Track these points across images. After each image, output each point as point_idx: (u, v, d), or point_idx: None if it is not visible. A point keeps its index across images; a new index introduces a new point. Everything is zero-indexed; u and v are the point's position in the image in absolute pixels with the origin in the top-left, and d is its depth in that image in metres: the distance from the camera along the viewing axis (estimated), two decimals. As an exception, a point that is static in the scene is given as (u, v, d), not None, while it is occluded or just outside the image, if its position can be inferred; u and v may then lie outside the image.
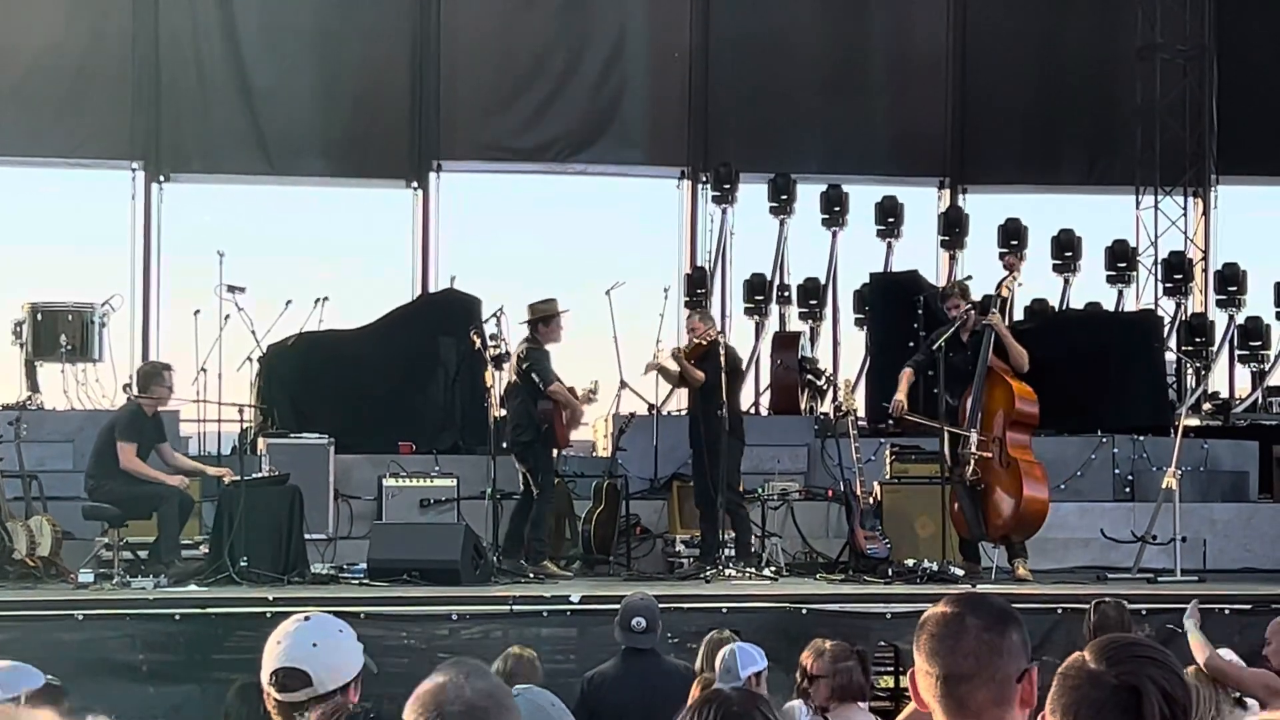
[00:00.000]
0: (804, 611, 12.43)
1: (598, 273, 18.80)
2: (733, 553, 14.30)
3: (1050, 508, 14.34)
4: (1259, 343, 20.02)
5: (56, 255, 20.92)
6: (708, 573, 13.89)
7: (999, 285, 14.58)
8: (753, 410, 18.67)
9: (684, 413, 18.49)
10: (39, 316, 16.82)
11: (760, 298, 20.18)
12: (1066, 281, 20.30)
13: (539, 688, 8.13)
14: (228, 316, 15.48)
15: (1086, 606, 9.66)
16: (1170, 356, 19.35)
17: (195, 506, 14.18)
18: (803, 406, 18.27)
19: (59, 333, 16.70)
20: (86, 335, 16.87)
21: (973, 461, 13.96)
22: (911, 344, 16.98)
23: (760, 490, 15.38)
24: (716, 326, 15.62)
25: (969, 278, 16.29)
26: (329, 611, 6.44)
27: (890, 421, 17.52)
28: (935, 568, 13.81)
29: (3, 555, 13.58)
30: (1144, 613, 12.21)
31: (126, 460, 13.72)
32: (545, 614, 12.25)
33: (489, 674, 3.67)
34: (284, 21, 20.84)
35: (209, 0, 20.74)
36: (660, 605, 9.85)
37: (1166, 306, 20.49)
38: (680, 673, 9.11)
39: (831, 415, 17.03)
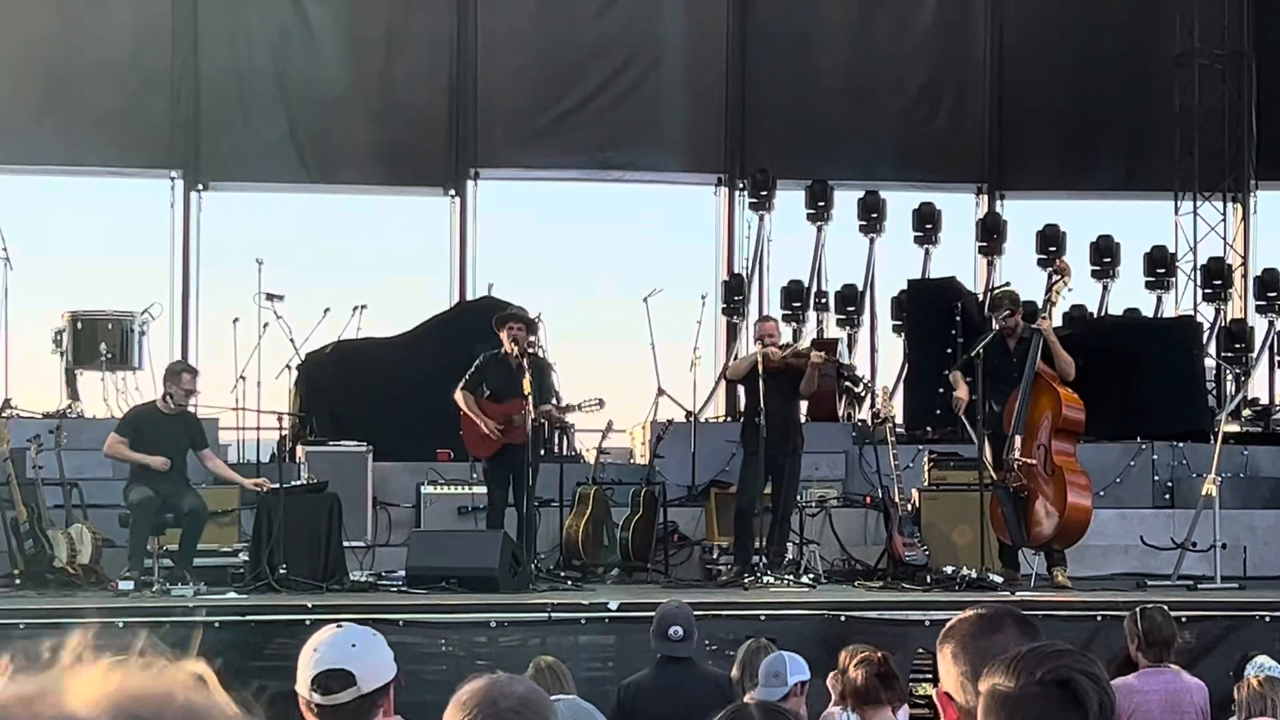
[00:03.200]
0: (842, 619, 12.40)
1: (635, 280, 18.77)
2: (767, 560, 14.23)
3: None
4: (1299, 348, 19.93)
5: (97, 264, 21.01)
6: (746, 580, 13.87)
7: (1050, 290, 14.49)
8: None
9: (722, 420, 18.52)
10: (79, 325, 16.91)
11: (798, 304, 20.14)
12: (1105, 287, 20.23)
13: (575, 698, 8.13)
14: (266, 324, 15.53)
15: (1125, 614, 9.57)
16: (1209, 362, 19.26)
17: (204, 517, 14.09)
18: (840, 413, 18.25)
19: (99, 341, 16.78)
20: (126, 343, 16.94)
21: (1016, 468, 13.90)
22: (950, 350, 16.96)
23: (798, 497, 15.36)
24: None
25: (1007, 284, 16.25)
26: (367, 619, 6.46)
27: (930, 429, 17.52)
28: (974, 575, 13.76)
29: (43, 563, 13.64)
30: (1184, 620, 12.13)
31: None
32: (583, 621, 12.24)
33: (525, 680, 3.72)
34: (321, 30, 20.91)
35: (248, 10, 20.83)
36: (698, 613, 9.85)
37: (1206, 312, 20.41)
38: (716, 680, 9.11)
39: (870, 422, 17.01)
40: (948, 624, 3.56)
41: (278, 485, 13.78)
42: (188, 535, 13.68)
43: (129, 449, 13.74)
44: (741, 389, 15.26)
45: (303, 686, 4.46)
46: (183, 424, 14.01)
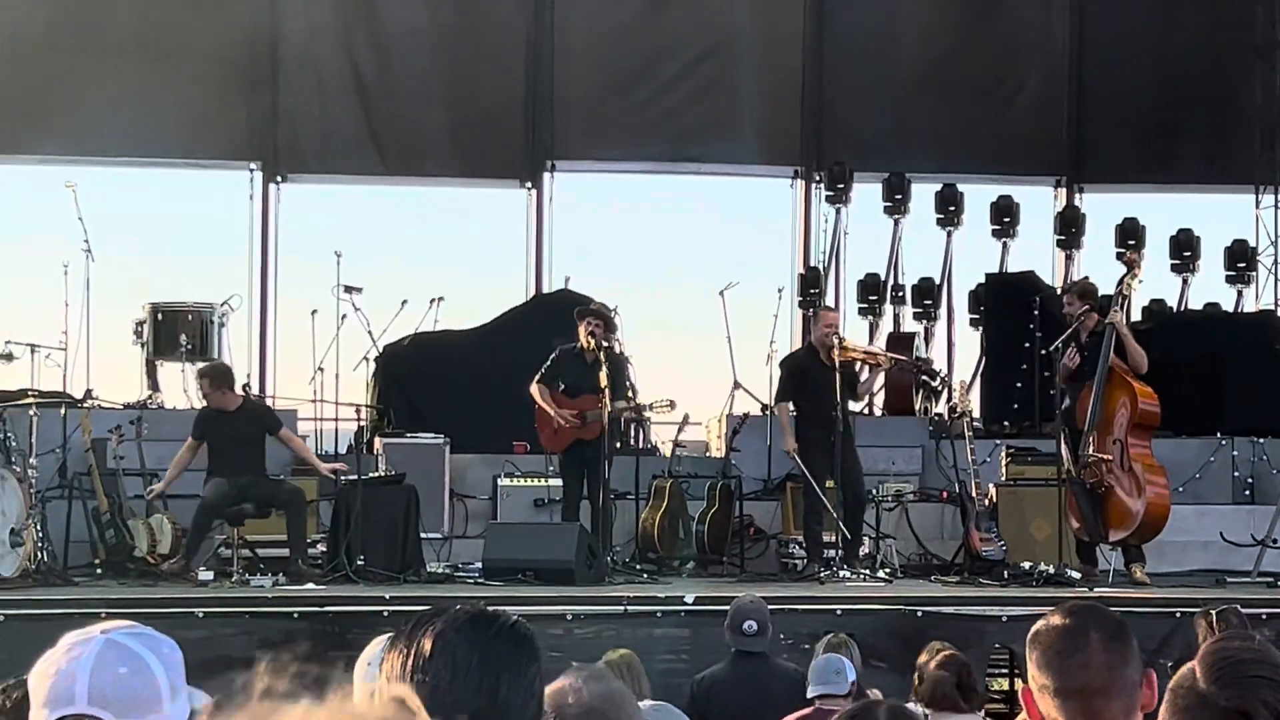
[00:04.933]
0: (919, 614, 12.38)
1: (711, 273, 18.77)
2: (843, 555, 14.19)
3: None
4: (1381, 343, 19.70)
5: (176, 255, 21.17)
6: (822, 574, 13.85)
7: (1120, 283, 14.42)
8: (867, 411, 18.61)
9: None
10: (159, 316, 17.03)
11: (874, 298, 20.11)
12: (1185, 282, 20.08)
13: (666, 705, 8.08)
14: (344, 316, 15.63)
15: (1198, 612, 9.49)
16: (1290, 358, 19.10)
17: (311, 504, 14.32)
18: (917, 408, 18.20)
19: (179, 332, 16.89)
20: (206, 335, 17.05)
21: (1091, 463, 13.81)
22: (1027, 345, 16.89)
23: (875, 492, 15.32)
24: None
25: (1085, 278, 16.15)
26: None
27: (1007, 423, 17.45)
28: (1051, 570, 13.69)
29: (124, 553, 13.78)
30: (1264, 617, 12.08)
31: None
32: (659, 614, 12.28)
33: (608, 678, 3.69)
34: (399, 21, 20.97)
35: (326, 1, 20.91)
36: (773, 607, 9.87)
37: (1287, 307, 20.25)
38: (790, 675, 9.12)
39: (946, 416, 16.95)
40: (1035, 626, 3.54)
41: (355, 476, 13.86)
42: (292, 525, 13.73)
43: (190, 455, 13.91)
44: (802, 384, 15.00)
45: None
46: (249, 416, 14.14)
